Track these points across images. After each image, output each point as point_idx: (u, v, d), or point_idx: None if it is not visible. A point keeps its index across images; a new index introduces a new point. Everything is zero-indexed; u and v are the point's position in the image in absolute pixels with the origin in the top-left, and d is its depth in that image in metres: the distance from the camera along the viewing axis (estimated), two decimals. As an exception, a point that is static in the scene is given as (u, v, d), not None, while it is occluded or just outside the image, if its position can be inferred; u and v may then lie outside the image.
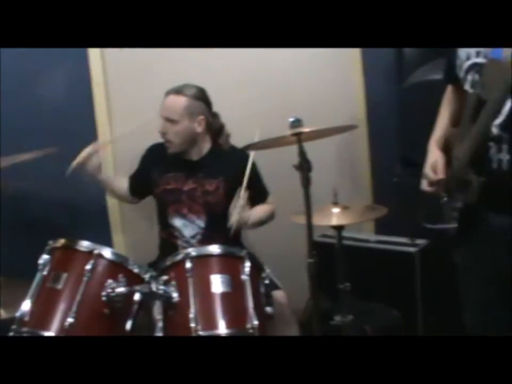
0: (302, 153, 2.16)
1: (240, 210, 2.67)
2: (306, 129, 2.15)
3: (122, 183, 3.12)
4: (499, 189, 1.89)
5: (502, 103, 1.78)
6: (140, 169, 3.12)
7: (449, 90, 2.26)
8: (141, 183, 3.07)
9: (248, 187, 2.74)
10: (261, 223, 2.93)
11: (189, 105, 2.86)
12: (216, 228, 2.91)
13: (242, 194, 2.68)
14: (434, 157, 2.15)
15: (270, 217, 2.99)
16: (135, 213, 3.31)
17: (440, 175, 2.09)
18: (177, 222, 2.96)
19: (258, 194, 2.97)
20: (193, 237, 2.94)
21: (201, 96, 2.93)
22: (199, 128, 2.91)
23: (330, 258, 2.72)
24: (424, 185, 2.14)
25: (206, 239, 2.91)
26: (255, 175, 2.94)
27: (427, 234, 3.15)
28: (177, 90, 2.88)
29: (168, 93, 2.89)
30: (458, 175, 2.01)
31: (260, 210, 2.94)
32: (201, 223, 2.94)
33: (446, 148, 2.13)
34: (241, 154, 2.84)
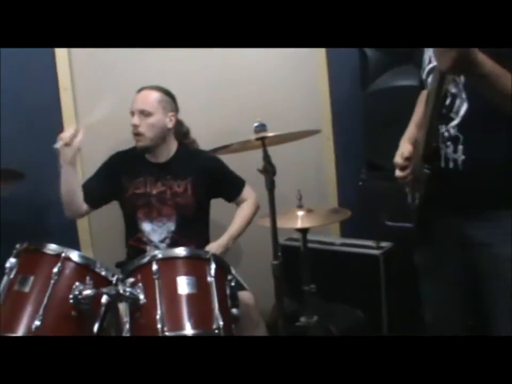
0: (267, 157, 2.20)
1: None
2: (270, 134, 2.20)
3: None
4: (454, 187, 1.96)
5: (435, 96, 1.83)
6: (101, 176, 3.06)
7: (423, 92, 2.33)
8: (101, 191, 3.02)
9: (222, 183, 2.80)
10: (247, 226, 3.02)
11: (162, 99, 2.95)
12: (186, 231, 2.95)
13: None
14: (402, 148, 2.20)
15: (254, 213, 3.05)
16: (103, 215, 3.31)
17: (406, 154, 2.14)
18: (146, 227, 2.98)
19: (233, 186, 3.01)
20: (162, 241, 2.97)
21: (171, 95, 3.01)
22: (170, 124, 2.98)
23: (296, 261, 2.77)
24: (397, 173, 2.18)
25: (175, 243, 2.93)
26: (224, 170, 3.00)
27: (391, 237, 3.21)
28: (151, 87, 2.97)
29: (141, 89, 2.96)
30: (417, 172, 2.07)
31: (240, 221, 3.02)
32: (171, 225, 2.96)
33: (415, 148, 2.19)
34: (208, 156, 2.88)
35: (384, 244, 3.24)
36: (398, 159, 2.17)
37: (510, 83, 1.70)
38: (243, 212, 3.07)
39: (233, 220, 3.05)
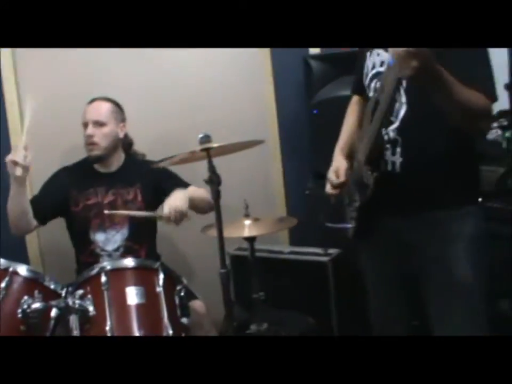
0: (212, 168, 2.24)
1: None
2: (215, 145, 2.24)
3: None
4: (392, 190, 2.02)
5: (390, 103, 1.90)
6: (49, 192, 3.02)
7: (354, 100, 2.40)
8: (50, 206, 2.99)
9: (168, 185, 2.84)
10: (199, 201, 2.95)
11: (114, 110, 3.02)
12: (138, 237, 2.97)
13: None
14: (337, 162, 2.26)
15: (205, 199, 2.95)
16: (52, 232, 3.30)
17: (342, 178, 2.20)
18: (100, 237, 2.98)
19: (179, 186, 3.01)
20: (116, 249, 2.97)
21: (120, 106, 3.08)
22: (121, 134, 3.05)
23: (246, 270, 2.81)
24: (328, 189, 2.25)
25: (128, 250, 2.96)
26: (170, 173, 3.04)
27: (339, 244, 3.27)
28: (101, 98, 3.02)
29: (92, 100, 3.01)
30: (357, 175, 2.13)
31: (192, 189, 3.00)
32: (124, 233, 2.98)
33: (351, 154, 2.25)
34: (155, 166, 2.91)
35: (332, 251, 3.30)
36: (332, 175, 2.23)
37: (463, 94, 1.78)
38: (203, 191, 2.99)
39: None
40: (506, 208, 2.77)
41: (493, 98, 1.89)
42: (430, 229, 2.02)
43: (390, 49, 1.70)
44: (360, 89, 2.28)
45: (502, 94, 3.03)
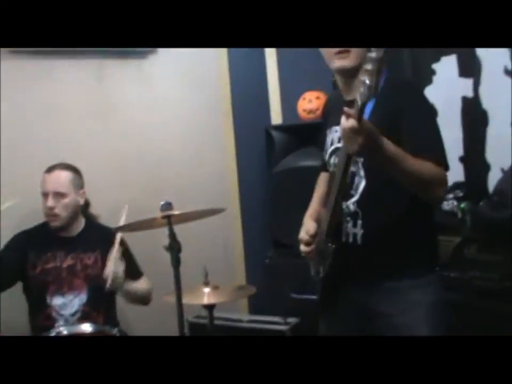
0: (172, 235, 2.25)
1: (115, 259, 2.72)
2: (176, 212, 2.26)
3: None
4: (354, 261, 2.06)
5: (342, 177, 1.92)
6: (6, 258, 2.96)
7: (321, 174, 2.45)
8: (9, 272, 2.93)
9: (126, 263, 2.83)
10: (136, 295, 2.98)
11: (73, 178, 2.98)
12: (97, 303, 2.93)
13: (116, 244, 2.75)
14: (307, 225, 2.27)
15: (146, 296, 3.03)
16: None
17: (312, 231, 2.20)
18: (57, 301, 2.92)
19: (131, 269, 3.02)
20: (73, 314, 2.92)
21: (79, 171, 3.05)
22: (82, 201, 3.02)
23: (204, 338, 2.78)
24: (302, 248, 2.25)
25: (86, 316, 2.89)
26: (128, 254, 3.02)
27: (298, 313, 3.27)
28: (60, 166, 2.97)
29: (51, 169, 2.95)
30: (321, 247, 2.15)
31: (136, 284, 3.00)
32: (83, 298, 2.93)
33: (318, 224, 2.27)
34: (113, 233, 2.91)
35: (291, 320, 3.29)
36: (303, 235, 2.24)
37: (413, 164, 1.83)
38: (146, 284, 3.07)
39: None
40: (462, 278, 2.82)
41: (445, 166, 1.95)
42: (391, 298, 2.05)
43: (341, 123, 1.74)
44: (325, 166, 2.34)
45: (457, 166, 3.14)
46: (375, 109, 1.88)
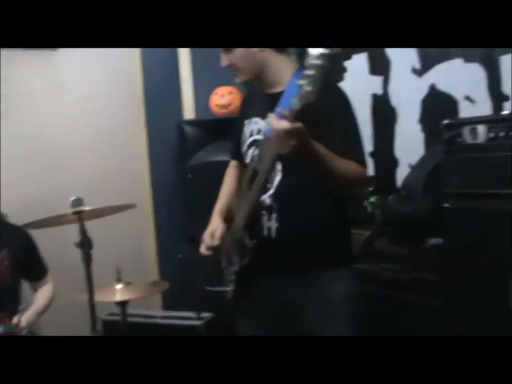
0: (83, 231, 2.21)
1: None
2: (87, 208, 2.21)
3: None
4: (269, 253, 2.07)
5: (268, 174, 1.98)
6: None
7: (232, 164, 2.45)
8: None
9: (27, 262, 2.74)
10: (43, 311, 2.95)
11: None
12: (1, 302, 2.84)
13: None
14: (214, 225, 2.28)
15: (50, 303, 3.00)
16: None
17: (216, 242, 2.23)
18: None
19: (36, 270, 2.94)
20: None
21: None
22: None
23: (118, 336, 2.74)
24: (203, 249, 2.26)
25: None
26: (33, 251, 2.94)
27: (213, 307, 3.27)
28: None
29: None
30: (236, 240, 2.16)
31: (39, 301, 2.96)
32: None
33: (229, 217, 2.29)
34: (22, 232, 2.83)
35: (205, 315, 3.29)
36: (207, 238, 2.26)
37: (339, 165, 1.88)
38: (47, 293, 3.02)
39: (37, 298, 2.98)
40: (373, 270, 2.90)
41: (365, 165, 2.02)
42: (306, 289, 2.08)
43: (270, 122, 1.76)
44: (238, 155, 2.34)
45: (367, 161, 3.22)
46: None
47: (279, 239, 2.09)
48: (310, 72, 1.63)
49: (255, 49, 2.08)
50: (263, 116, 2.13)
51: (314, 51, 1.61)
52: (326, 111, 1.88)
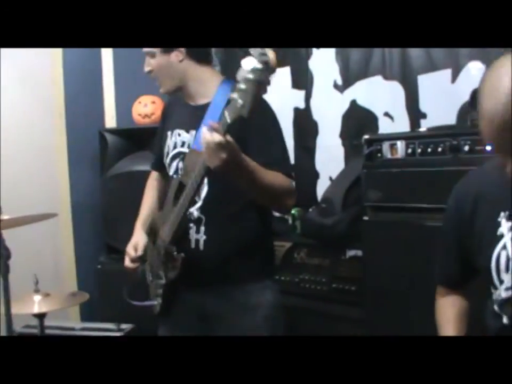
0: (1, 241, 2.14)
1: None
2: (5, 217, 2.15)
3: None
4: (196, 266, 2.06)
5: (197, 188, 1.96)
6: None
7: (153, 176, 2.43)
8: None
9: None
10: None
11: None
12: None
13: None
14: (136, 237, 2.27)
15: None
16: None
17: (139, 252, 2.22)
18: None
19: None
20: None
21: None
22: None
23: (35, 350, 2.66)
24: (127, 262, 2.25)
25: None
26: None
27: (133, 318, 3.23)
28: None
29: None
30: (162, 254, 2.14)
31: None
32: None
33: (153, 230, 2.26)
34: None
35: (125, 326, 3.25)
36: (131, 251, 2.25)
37: (267, 178, 1.90)
38: None
39: None
40: (292, 281, 2.94)
41: (291, 177, 2.04)
42: (228, 301, 2.09)
43: (202, 135, 1.75)
44: (159, 167, 2.33)
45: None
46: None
47: (207, 252, 2.09)
48: (242, 86, 1.63)
49: (174, 60, 2.08)
50: (187, 129, 2.14)
51: (247, 65, 1.62)
52: (253, 124, 1.89)
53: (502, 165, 1.35)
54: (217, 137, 1.68)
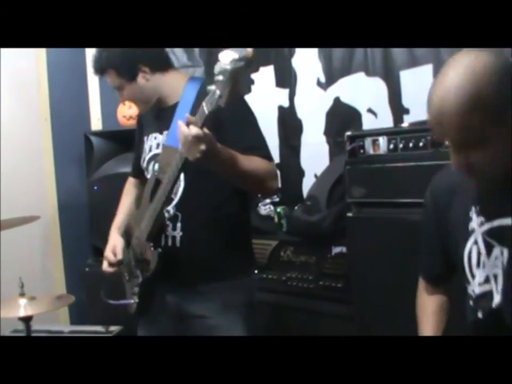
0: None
1: None
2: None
3: None
4: (173, 263, 2.06)
5: (173, 183, 1.96)
6: None
7: (130, 181, 2.44)
8: None
9: None
10: None
11: None
12: None
13: None
14: (113, 241, 2.27)
15: None
16: None
17: (119, 256, 2.22)
18: None
19: None
20: None
21: None
22: None
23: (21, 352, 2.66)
24: (105, 266, 2.25)
25: None
26: None
27: (121, 320, 3.23)
28: None
29: None
30: (138, 252, 2.15)
31: None
32: None
33: (129, 231, 2.27)
34: None
35: (113, 328, 3.25)
36: (109, 254, 2.24)
37: (248, 164, 1.90)
38: None
39: None
40: (279, 279, 2.95)
41: (271, 159, 2.05)
42: (206, 300, 2.09)
43: (179, 128, 1.75)
44: (137, 172, 2.34)
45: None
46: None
47: (183, 249, 2.09)
48: (220, 77, 1.65)
49: (142, 82, 2.08)
50: (161, 130, 2.15)
51: (225, 57, 1.64)
52: (228, 113, 1.90)
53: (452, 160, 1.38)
54: (194, 130, 1.70)
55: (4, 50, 3.25)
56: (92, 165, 3.63)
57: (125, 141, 3.58)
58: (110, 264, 2.23)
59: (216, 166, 1.85)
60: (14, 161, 3.60)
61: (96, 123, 3.92)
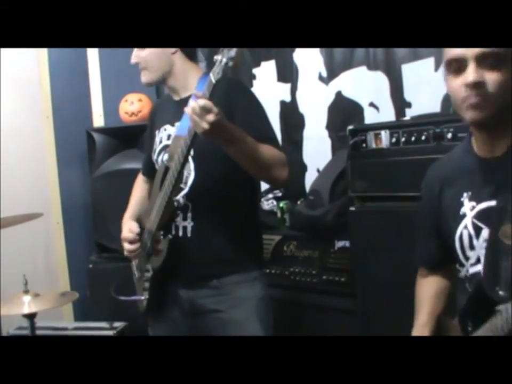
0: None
1: None
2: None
3: None
4: (184, 255, 2.05)
5: (180, 168, 1.95)
6: None
7: (140, 178, 2.43)
8: None
9: None
10: None
11: None
12: None
13: None
14: (128, 225, 2.25)
15: None
16: None
17: (137, 230, 2.19)
18: None
19: None
20: None
21: None
22: None
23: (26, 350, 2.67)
24: (127, 246, 2.22)
25: None
26: None
27: (125, 316, 3.24)
28: None
29: None
30: (148, 244, 2.14)
31: None
32: None
33: (140, 224, 2.25)
34: None
35: (117, 324, 3.26)
36: (127, 233, 2.22)
37: (257, 147, 1.89)
38: None
39: None
40: (283, 273, 2.95)
41: (282, 150, 2.05)
42: (219, 294, 2.08)
43: (188, 106, 1.76)
44: (148, 170, 2.33)
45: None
46: None
47: (194, 239, 2.08)
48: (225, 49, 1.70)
49: (168, 50, 2.08)
50: (172, 122, 2.14)
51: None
52: (241, 103, 1.94)
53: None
54: (201, 101, 1.70)
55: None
56: (94, 161, 3.64)
57: (127, 137, 3.59)
58: (131, 242, 2.20)
59: (226, 143, 1.85)
60: (16, 159, 3.60)
61: (98, 120, 3.91)
